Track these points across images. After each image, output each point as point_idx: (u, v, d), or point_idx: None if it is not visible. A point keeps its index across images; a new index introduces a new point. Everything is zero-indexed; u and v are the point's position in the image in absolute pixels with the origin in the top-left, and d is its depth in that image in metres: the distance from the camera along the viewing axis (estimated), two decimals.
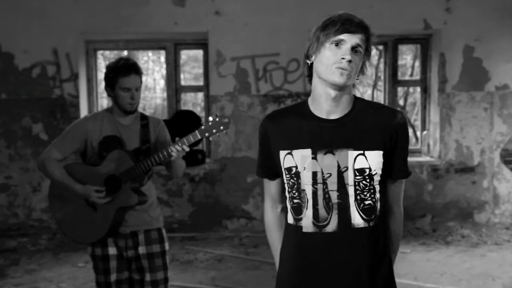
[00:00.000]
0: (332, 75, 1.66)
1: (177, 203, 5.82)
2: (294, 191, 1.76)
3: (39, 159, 2.84)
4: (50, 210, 2.96)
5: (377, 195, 1.74)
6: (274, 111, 1.88)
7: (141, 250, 2.81)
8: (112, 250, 2.79)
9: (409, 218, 5.83)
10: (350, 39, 1.65)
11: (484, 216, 5.91)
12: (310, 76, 1.77)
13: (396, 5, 5.71)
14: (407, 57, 11.04)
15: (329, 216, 1.71)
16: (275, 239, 1.92)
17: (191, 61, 12.03)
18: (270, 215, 1.93)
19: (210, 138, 2.65)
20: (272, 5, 5.69)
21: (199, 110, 11.11)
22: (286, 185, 1.79)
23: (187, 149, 2.65)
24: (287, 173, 1.76)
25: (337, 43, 1.65)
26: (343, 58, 1.64)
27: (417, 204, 5.87)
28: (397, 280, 1.88)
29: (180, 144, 2.63)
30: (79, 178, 2.79)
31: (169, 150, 2.63)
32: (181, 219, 5.82)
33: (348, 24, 1.65)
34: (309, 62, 1.75)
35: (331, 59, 1.66)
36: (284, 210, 1.86)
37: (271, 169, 1.84)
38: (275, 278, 1.90)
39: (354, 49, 1.66)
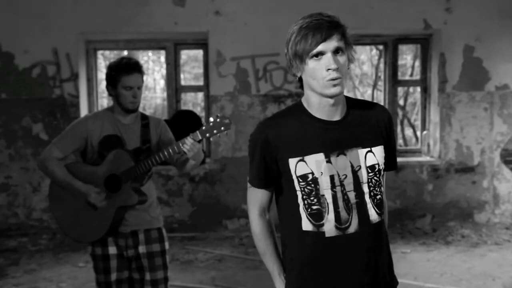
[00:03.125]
0: (326, 89, 1.64)
1: (177, 203, 5.82)
2: (312, 198, 1.71)
3: (39, 158, 2.84)
4: (50, 209, 2.96)
5: (382, 188, 1.79)
6: (269, 117, 1.81)
7: (141, 249, 2.81)
8: (112, 250, 2.80)
9: (409, 218, 5.84)
10: (328, 46, 1.61)
11: (484, 216, 5.91)
12: (302, 87, 1.75)
13: (396, 5, 5.72)
14: (407, 57, 11.05)
15: (350, 217, 1.71)
16: (267, 246, 1.85)
17: (191, 61, 12.04)
18: (260, 223, 1.83)
19: (211, 139, 2.64)
20: (272, 5, 5.69)
21: (199, 110, 11.12)
22: (299, 193, 1.71)
23: (198, 145, 2.64)
24: (301, 180, 1.70)
25: (317, 55, 1.62)
26: (329, 69, 1.62)
27: (417, 204, 5.87)
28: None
29: (193, 138, 2.61)
30: (79, 177, 2.79)
31: (180, 145, 2.62)
32: (181, 219, 5.82)
33: (319, 32, 1.60)
34: (297, 77, 1.72)
35: (318, 73, 1.63)
36: (289, 216, 1.77)
37: (271, 178, 1.77)
38: None
39: (335, 52, 1.63)
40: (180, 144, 2.63)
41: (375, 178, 1.73)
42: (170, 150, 2.65)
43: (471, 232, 5.59)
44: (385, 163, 1.79)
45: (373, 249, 1.73)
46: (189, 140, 2.61)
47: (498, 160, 5.90)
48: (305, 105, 1.75)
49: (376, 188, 1.74)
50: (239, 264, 4.72)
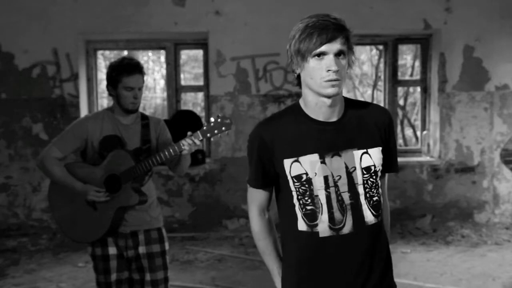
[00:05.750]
0: (323, 89, 1.65)
1: (177, 203, 5.82)
2: (306, 198, 1.73)
3: (38, 157, 2.84)
4: (50, 209, 2.97)
5: (380, 190, 1.79)
6: (266, 118, 1.83)
7: (141, 249, 2.81)
8: (112, 250, 2.80)
9: (409, 218, 5.84)
10: (331, 48, 1.63)
11: (484, 216, 5.91)
12: (299, 84, 1.76)
13: (396, 5, 5.72)
14: (407, 57, 11.04)
15: (344, 218, 1.72)
16: (267, 245, 1.87)
17: (191, 61, 12.04)
18: (259, 223, 1.86)
19: (212, 139, 2.65)
20: (272, 5, 5.69)
21: (199, 110, 11.11)
22: (294, 193, 1.74)
23: (198, 143, 2.64)
24: (296, 181, 1.72)
25: (319, 55, 1.63)
26: (329, 70, 1.63)
27: (417, 204, 5.87)
28: (397, 280, 1.89)
29: (193, 139, 2.62)
30: (79, 177, 2.79)
31: (181, 145, 2.62)
32: (181, 219, 5.82)
33: (324, 33, 1.62)
34: (295, 74, 1.73)
35: (318, 73, 1.64)
36: (286, 215, 1.79)
37: (269, 179, 1.80)
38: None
39: (337, 55, 1.64)
40: (181, 145, 2.63)
41: (371, 179, 1.74)
42: (171, 150, 2.65)
43: (471, 232, 5.59)
44: (384, 165, 1.79)
45: (368, 250, 1.74)
46: (187, 141, 2.61)
47: (498, 160, 5.90)
48: (302, 105, 1.77)
49: (373, 190, 1.75)
50: (239, 264, 4.72)
